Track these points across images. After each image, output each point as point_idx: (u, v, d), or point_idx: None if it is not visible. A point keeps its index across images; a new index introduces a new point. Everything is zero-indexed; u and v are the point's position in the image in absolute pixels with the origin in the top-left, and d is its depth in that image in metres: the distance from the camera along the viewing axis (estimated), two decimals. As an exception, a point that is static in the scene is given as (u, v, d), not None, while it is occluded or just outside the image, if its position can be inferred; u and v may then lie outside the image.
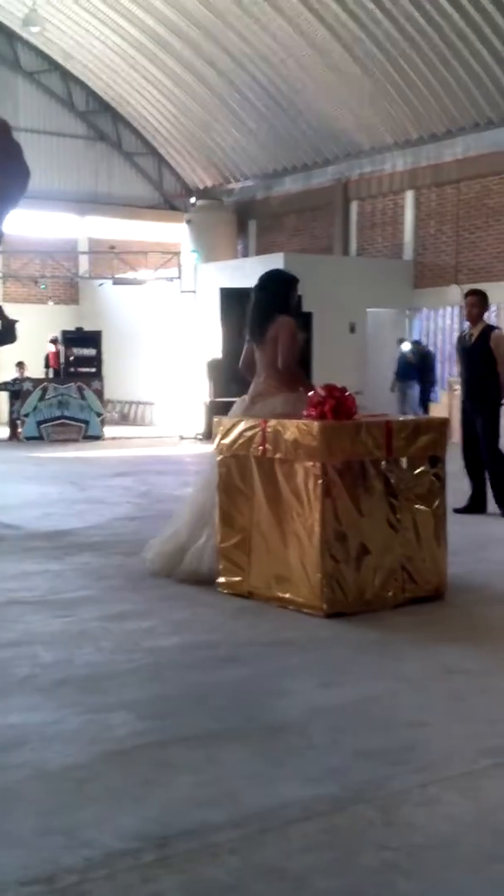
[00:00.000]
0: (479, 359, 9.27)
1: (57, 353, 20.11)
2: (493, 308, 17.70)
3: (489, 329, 9.42)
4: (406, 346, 20.28)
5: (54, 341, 20.25)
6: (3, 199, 0.89)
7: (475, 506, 9.29)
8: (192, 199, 25.77)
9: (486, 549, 7.71)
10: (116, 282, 21.30)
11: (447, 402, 17.70)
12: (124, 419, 23.43)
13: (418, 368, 19.84)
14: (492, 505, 9.27)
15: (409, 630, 5.41)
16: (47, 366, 20.22)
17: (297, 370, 6.94)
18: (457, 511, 8.91)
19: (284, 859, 2.86)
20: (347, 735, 3.82)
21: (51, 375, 19.93)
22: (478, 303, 9.40)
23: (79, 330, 21.07)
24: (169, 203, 26.88)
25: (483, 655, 4.92)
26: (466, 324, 9.91)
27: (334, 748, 3.68)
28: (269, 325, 6.83)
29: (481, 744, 3.73)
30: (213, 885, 2.72)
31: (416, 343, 20.56)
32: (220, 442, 6.24)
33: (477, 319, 9.42)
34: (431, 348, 20.91)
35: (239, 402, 6.86)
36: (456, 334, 20.63)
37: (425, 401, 19.99)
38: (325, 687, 4.42)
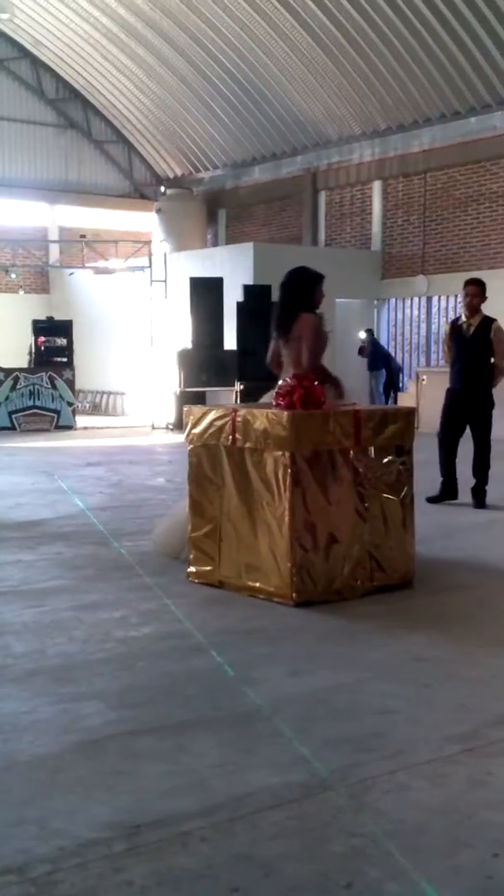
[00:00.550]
0: (478, 349, 9.28)
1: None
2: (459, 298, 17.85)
3: (488, 320, 9.37)
4: (362, 335, 20.51)
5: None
6: None
7: (446, 494, 9.35)
8: (162, 189, 25.69)
9: (452, 538, 7.78)
10: (98, 271, 21.17)
11: (414, 392, 17.77)
12: (96, 409, 23.36)
13: (374, 357, 20.26)
14: (463, 495, 9.33)
15: (377, 618, 5.46)
16: (30, 353, 20.16)
17: (320, 366, 7.03)
18: (429, 500, 8.99)
19: (254, 847, 2.90)
20: (316, 723, 3.87)
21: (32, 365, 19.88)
22: (478, 293, 9.30)
23: (49, 319, 20.96)
24: (139, 192, 26.79)
25: (449, 643, 4.98)
26: (454, 314, 9.86)
27: (303, 736, 3.72)
28: (293, 322, 6.95)
29: (448, 730, 3.78)
30: (184, 874, 2.75)
31: (368, 332, 20.71)
32: (190, 431, 6.27)
33: (476, 309, 9.37)
34: (399, 338, 21.07)
35: (266, 397, 6.92)
36: (423, 325, 20.82)
37: (391, 388, 20.20)
38: (294, 675, 4.47)
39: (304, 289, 7.07)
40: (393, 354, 21.06)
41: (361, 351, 20.58)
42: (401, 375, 20.77)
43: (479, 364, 9.30)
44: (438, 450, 9.45)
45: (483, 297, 9.36)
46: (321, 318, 7.13)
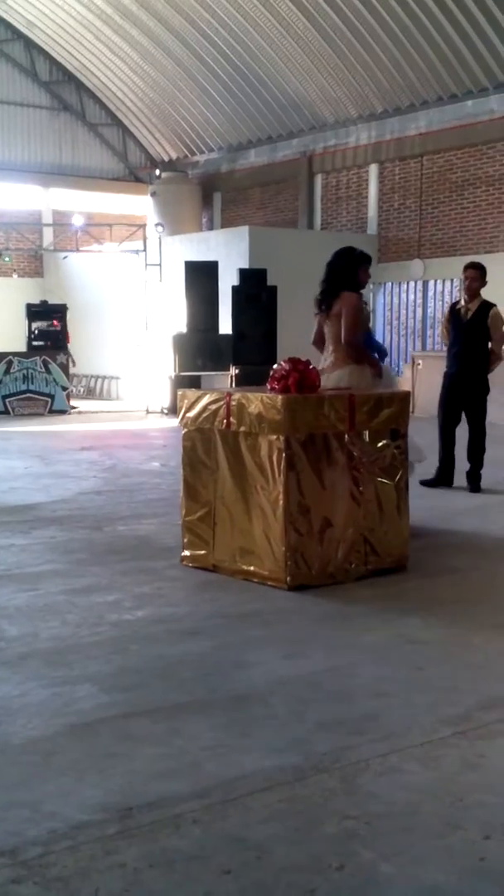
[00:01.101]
0: (475, 334, 9.25)
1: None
2: (455, 283, 17.83)
3: (487, 305, 9.34)
4: None
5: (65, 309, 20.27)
6: None
7: (442, 479, 9.35)
8: (157, 172, 25.59)
9: (447, 522, 7.78)
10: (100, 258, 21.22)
11: (409, 376, 17.75)
12: (90, 393, 23.33)
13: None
14: (458, 479, 9.33)
15: (370, 602, 5.46)
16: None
17: (359, 344, 7.28)
18: (423, 483, 8.98)
19: (247, 829, 2.90)
20: (309, 706, 3.87)
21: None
22: (478, 276, 9.25)
23: (43, 303, 20.93)
24: (134, 175, 26.70)
25: (443, 626, 4.99)
26: (450, 297, 9.81)
27: (296, 719, 3.73)
28: (335, 300, 7.21)
29: (440, 713, 3.79)
30: (177, 856, 2.75)
31: None
32: (184, 415, 6.25)
33: (476, 294, 9.33)
34: (395, 321, 21.05)
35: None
36: (419, 309, 20.79)
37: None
38: (288, 659, 4.47)
39: (348, 268, 7.33)
40: (388, 338, 21.03)
41: None
42: (387, 360, 20.73)
43: (475, 349, 9.27)
44: (438, 435, 9.44)
45: (483, 282, 9.31)
46: (361, 298, 7.36)
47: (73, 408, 19.30)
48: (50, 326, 19.87)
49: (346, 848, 2.80)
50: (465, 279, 9.42)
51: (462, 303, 9.45)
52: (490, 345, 9.29)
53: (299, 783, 3.20)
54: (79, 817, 2.96)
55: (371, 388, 6.89)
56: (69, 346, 20.00)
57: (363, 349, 7.32)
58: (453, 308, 9.62)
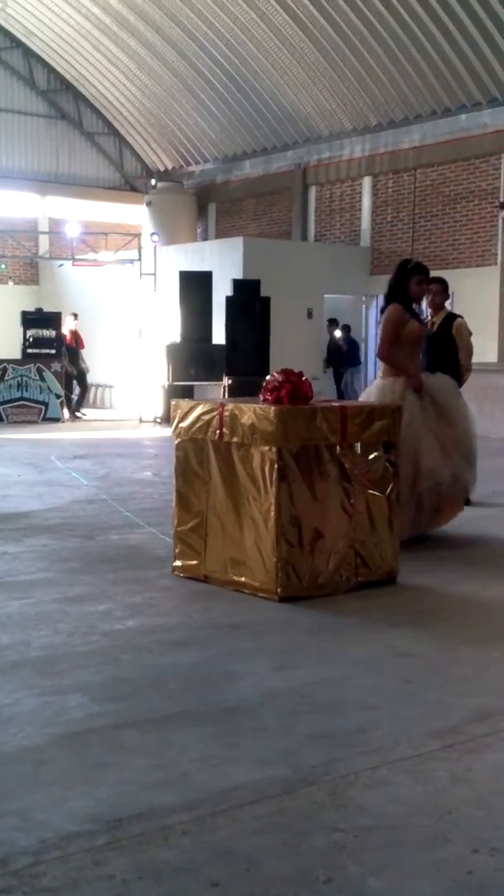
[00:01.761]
0: (441, 346, 9.31)
1: (75, 332, 20.16)
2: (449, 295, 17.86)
3: (452, 317, 9.43)
4: (338, 333, 20.53)
5: (76, 317, 20.32)
6: None
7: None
8: (153, 181, 25.65)
9: (437, 535, 7.79)
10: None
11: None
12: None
13: (348, 354, 20.41)
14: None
15: (361, 614, 5.48)
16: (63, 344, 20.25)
17: (393, 357, 7.44)
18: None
19: (235, 841, 2.91)
20: (299, 718, 3.88)
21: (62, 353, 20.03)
22: (441, 290, 9.40)
23: (38, 311, 20.93)
24: (130, 184, 26.75)
25: (432, 639, 5.00)
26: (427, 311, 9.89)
27: (286, 731, 3.74)
28: (384, 311, 7.52)
29: (429, 726, 3.80)
30: (165, 867, 2.76)
31: (344, 328, 20.73)
32: (177, 425, 6.27)
33: (440, 307, 9.43)
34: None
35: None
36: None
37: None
38: (278, 670, 4.48)
39: (398, 280, 7.53)
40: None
41: (338, 348, 20.68)
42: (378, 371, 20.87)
43: (443, 362, 9.31)
44: None
45: (446, 295, 9.51)
46: (405, 311, 7.50)
47: (83, 414, 19.52)
48: (55, 336, 19.94)
49: (334, 861, 2.81)
50: (429, 293, 9.51)
51: (427, 317, 9.54)
52: (459, 357, 9.33)
53: (288, 796, 3.21)
54: (68, 827, 2.96)
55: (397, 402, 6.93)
56: (83, 352, 20.12)
57: (398, 360, 7.45)
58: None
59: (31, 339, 19.90)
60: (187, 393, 17.13)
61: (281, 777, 3.33)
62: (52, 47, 24.64)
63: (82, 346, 20.22)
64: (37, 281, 25.45)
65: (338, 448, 5.88)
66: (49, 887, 2.65)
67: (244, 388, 15.88)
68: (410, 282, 7.48)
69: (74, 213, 25.31)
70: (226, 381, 17.76)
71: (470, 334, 9.39)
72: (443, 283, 9.52)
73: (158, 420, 18.51)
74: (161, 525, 7.54)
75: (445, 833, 2.99)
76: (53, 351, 19.72)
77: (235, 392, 16.74)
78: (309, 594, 5.72)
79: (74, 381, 20.11)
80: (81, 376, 20.21)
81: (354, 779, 3.33)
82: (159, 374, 18.80)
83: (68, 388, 19.71)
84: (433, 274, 8.64)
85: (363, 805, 3.15)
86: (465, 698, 4.13)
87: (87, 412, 20.10)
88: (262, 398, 5.99)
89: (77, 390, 20.31)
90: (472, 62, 18.41)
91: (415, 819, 3.07)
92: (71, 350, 19.88)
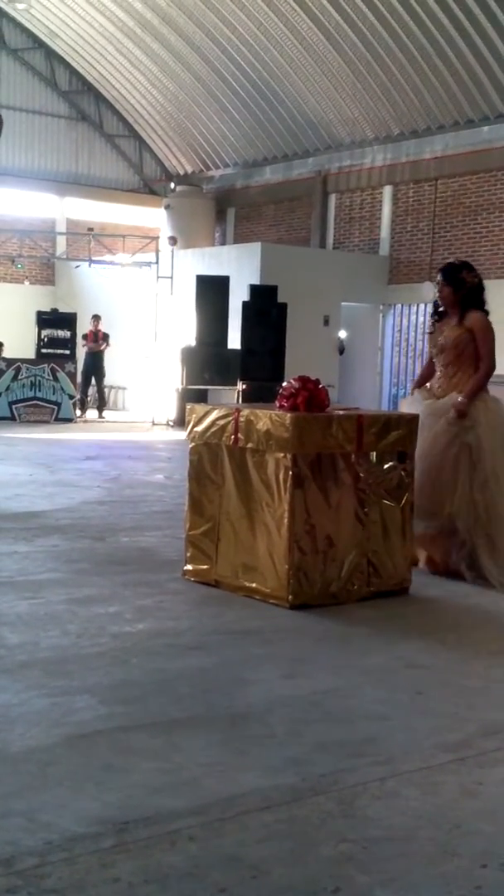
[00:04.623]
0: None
1: (95, 332, 20.28)
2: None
3: None
4: (342, 334, 20.57)
5: (96, 318, 20.48)
6: None
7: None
8: (172, 185, 25.68)
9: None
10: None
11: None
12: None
13: None
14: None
15: (372, 624, 5.45)
16: (85, 338, 20.36)
17: (425, 368, 7.26)
18: None
19: (243, 848, 2.89)
20: (309, 726, 3.86)
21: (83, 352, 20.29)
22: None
23: (54, 311, 20.99)
24: (148, 187, 26.79)
25: (444, 651, 4.97)
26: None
27: (295, 739, 3.71)
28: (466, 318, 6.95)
29: (440, 738, 3.77)
30: (172, 872, 2.74)
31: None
32: (192, 429, 6.25)
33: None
34: (404, 343, 21.12)
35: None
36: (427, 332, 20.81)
37: None
38: (288, 678, 4.46)
39: (478, 285, 6.99)
40: (395, 360, 21.10)
41: (342, 350, 20.68)
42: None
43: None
44: None
45: None
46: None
47: (102, 418, 19.69)
48: (84, 341, 20.22)
49: (342, 871, 2.79)
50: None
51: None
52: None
53: (297, 804, 3.18)
54: (75, 829, 2.94)
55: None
56: (106, 349, 20.27)
57: (423, 371, 7.33)
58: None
59: (45, 339, 19.96)
60: (201, 397, 17.14)
61: (289, 785, 3.31)
62: (75, 48, 24.71)
63: (107, 345, 20.43)
64: (53, 281, 25.51)
65: (353, 457, 5.86)
66: (55, 888, 2.63)
67: (258, 394, 15.89)
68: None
69: (92, 214, 25.37)
70: (240, 385, 17.76)
71: None
72: None
73: (171, 423, 18.52)
74: (172, 528, 7.53)
75: (454, 847, 2.96)
76: (68, 351, 19.82)
77: (249, 397, 16.74)
78: (320, 602, 5.70)
79: (93, 379, 20.29)
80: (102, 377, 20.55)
81: (363, 789, 3.30)
82: (173, 378, 18.80)
83: (87, 386, 20.00)
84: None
85: (372, 816, 3.12)
86: (476, 711, 4.10)
87: (106, 415, 20.26)
88: (277, 405, 5.97)
89: (94, 389, 20.48)
90: (496, 74, 18.39)
91: (423, 831, 3.04)
92: (94, 352, 20.15)
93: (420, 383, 7.20)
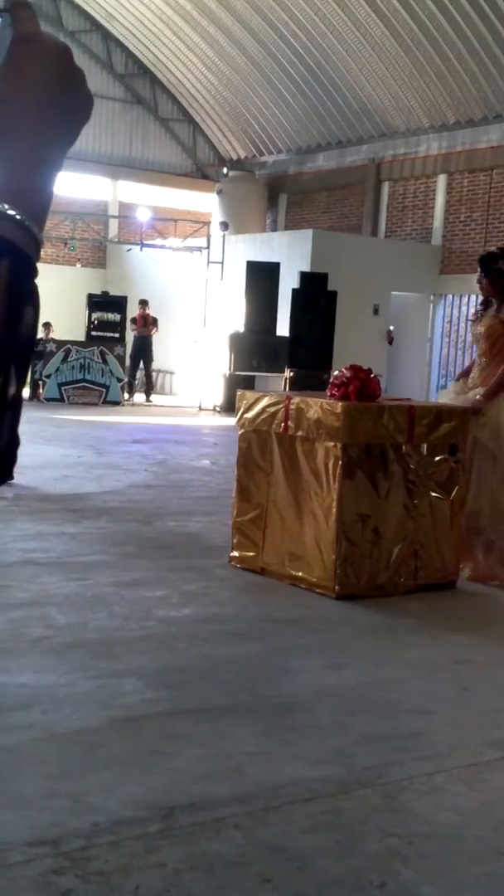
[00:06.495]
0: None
1: (143, 316, 20.38)
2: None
3: None
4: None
5: (144, 303, 20.53)
6: (71, 129, 0.84)
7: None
8: (225, 170, 25.62)
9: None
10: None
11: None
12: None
13: None
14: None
15: (418, 617, 5.42)
16: (134, 322, 20.47)
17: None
18: None
19: (288, 839, 2.88)
20: (354, 718, 3.84)
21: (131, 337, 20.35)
22: None
23: (104, 294, 21.03)
24: (201, 172, 26.76)
25: (491, 646, 4.93)
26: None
27: (341, 730, 3.70)
28: None
29: (487, 735, 3.74)
30: (217, 860, 2.74)
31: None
32: (242, 416, 6.24)
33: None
34: (454, 334, 20.96)
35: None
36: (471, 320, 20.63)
37: None
38: (333, 668, 4.44)
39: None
40: (445, 351, 20.95)
41: (391, 341, 20.56)
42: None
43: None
44: None
45: None
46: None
47: (150, 402, 19.83)
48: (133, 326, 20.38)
49: (387, 866, 2.77)
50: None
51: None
52: None
53: (342, 796, 3.17)
54: (121, 813, 2.95)
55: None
56: (154, 334, 20.33)
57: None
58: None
59: (95, 322, 20.01)
60: (248, 383, 17.11)
61: (335, 777, 3.30)
62: (132, 31, 24.70)
63: (156, 330, 20.51)
64: (104, 264, 25.57)
65: (403, 448, 5.82)
66: (101, 871, 2.64)
67: (306, 382, 15.84)
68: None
69: (145, 198, 25.39)
70: (287, 373, 17.71)
71: None
72: None
73: (218, 409, 18.52)
74: (218, 514, 7.53)
75: (501, 846, 2.94)
76: (117, 335, 19.88)
77: (296, 385, 16.69)
78: (367, 593, 5.67)
79: (141, 363, 20.39)
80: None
81: (409, 784, 3.28)
82: (221, 363, 18.80)
83: (135, 370, 20.22)
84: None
85: (418, 811, 3.10)
86: (523, 709, 4.06)
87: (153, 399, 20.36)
88: (329, 393, 5.94)
89: (142, 373, 20.59)
90: None
91: (470, 829, 3.02)
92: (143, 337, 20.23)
93: (465, 374, 7.07)
